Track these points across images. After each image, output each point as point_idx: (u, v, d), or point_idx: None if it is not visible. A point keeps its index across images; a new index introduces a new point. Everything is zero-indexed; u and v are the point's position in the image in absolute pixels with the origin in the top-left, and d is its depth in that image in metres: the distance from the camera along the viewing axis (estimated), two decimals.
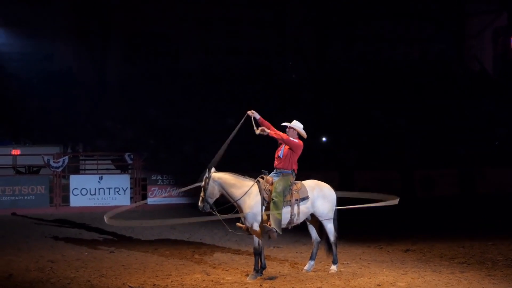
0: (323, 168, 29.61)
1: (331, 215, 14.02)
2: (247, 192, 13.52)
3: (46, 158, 25.38)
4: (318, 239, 14.30)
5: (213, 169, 13.73)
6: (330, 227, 14.05)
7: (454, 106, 35.72)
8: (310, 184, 14.00)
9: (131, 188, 25.72)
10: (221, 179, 13.60)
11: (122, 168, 27.22)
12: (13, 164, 26.16)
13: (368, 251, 16.58)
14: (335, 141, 33.02)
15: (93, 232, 18.78)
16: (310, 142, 32.21)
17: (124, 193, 25.73)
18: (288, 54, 38.46)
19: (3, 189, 24.68)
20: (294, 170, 13.83)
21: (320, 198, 13.91)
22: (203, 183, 13.67)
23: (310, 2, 37.91)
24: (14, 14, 32.76)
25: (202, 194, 13.63)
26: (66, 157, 25.78)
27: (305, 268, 14.25)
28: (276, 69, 37.45)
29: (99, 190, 25.42)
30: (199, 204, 13.69)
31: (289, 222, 13.72)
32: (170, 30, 35.84)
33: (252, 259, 14.10)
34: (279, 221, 13.43)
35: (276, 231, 13.38)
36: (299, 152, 13.87)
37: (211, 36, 36.51)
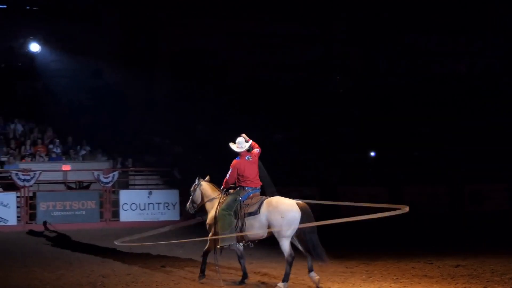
0: (371, 183, 29.57)
1: (286, 233, 13.86)
2: (210, 201, 15.01)
3: (96, 173, 25.68)
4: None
5: (207, 178, 15.43)
6: (284, 245, 13.89)
7: (503, 121, 35.33)
8: (269, 201, 14.21)
9: (180, 203, 25.81)
10: (201, 187, 15.28)
11: (170, 183, 27.36)
12: (64, 179, 26.48)
13: (418, 266, 16.42)
14: (384, 157, 32.88)
15: (143, 247, 18.91)
16: (358, 157, 32.21)
17: (174, 208, 25.89)
18: (335, 69, 38.42)
19: (54, 204, 25.00)
20: (242, 186, 14.52)
21: (274, 215, 13.97)
22: (192, 187, 15.44)
23: (357, 16, 37.83)
24: (63, 31, 33.16)
25: (191, 198, 15.43)
26: (116, 172, 26.04)
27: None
28: (323, 84, 37.43)
29: (149, 205, 25.61)
30: (187, 205, 15.55)
31: (241, 237, 14.27)
32: (217, 45, 36.02)
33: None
34: (225, 234, 14.21)
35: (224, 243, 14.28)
36: (235, 170, 14.53)
37: (258, 51, 36.61)
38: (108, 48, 34.13)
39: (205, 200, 15.15)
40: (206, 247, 14.86)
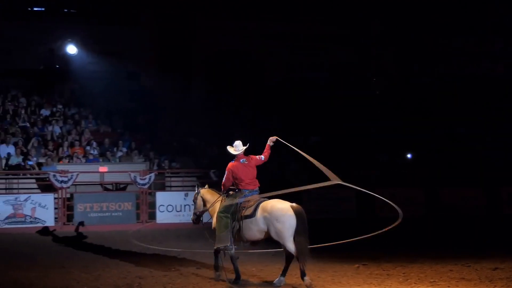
0: (407, 185, 29.39)
1: (286, 235, 14.16)
2: (212, 206, 15.44)
3: (132, 175, 25.82)
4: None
5: (206, 186, 16.13)
6: (288, 246, 14.19)
7: None
8: (264, 205, 14.56)
9: None
10: (201, 195, 15.84)
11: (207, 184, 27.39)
12: (101, 181, 26.65)
13: (455, 269, 16.30)
14: (420, 158, 32.70)
15: (179, 248, 18.95)
16: (394, 159, 31.99)
17: None
18: (371, 70, 38.30)
19: (91, 206, 25.18)
20: (239, 189, 14.97)
21: (270, 219, 14.34)
22: (193, 197, 16.09)
23: (393, 17, 37.67)
24: (100, 33, 33.38)
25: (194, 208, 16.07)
26: (152, 174, 26.16)
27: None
28: (359, 85, 37.31)
29: (185, 207, 25.66)
30: (191, 217, 16.21)
31: (240, 236, 14.70)
32: (254, 47, 36.04)
33: None
34: (221, 235, 14.68)
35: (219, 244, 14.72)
36: (229, 173, 15.03)
37: (293, 52, 36.58)
38: (145, 50, 34.30)
39: (208, 206, 15.63)
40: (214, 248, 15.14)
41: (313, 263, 14.68)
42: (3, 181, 26.07)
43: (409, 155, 33.54)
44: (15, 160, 26.98)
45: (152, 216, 25.62)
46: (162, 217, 25.35)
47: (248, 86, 35.05)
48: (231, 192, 15.19)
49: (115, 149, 29.18)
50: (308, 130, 32.63)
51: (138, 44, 34.07)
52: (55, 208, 24.98)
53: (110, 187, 27.14)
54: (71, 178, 25.18)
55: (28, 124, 29.85)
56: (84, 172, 25.95)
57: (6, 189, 25.89)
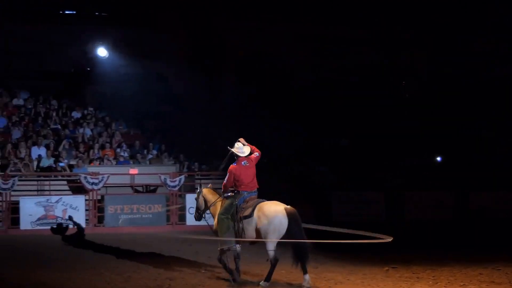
0: (437, 188, 29.30)
1: (271, 237, 14.50)
2: (213, 204, 15.83)
3: (163, 177, 25.96)
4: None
5: (209, 185, 16.50)
6: (269, 247, 14.56)
7: None
8: (260, 205, 14.85)
9: None
10: (203, 194, 16.22)
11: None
12: (131, 183, 26.81)
13: (485, 272, 16.22)
14: (450, 161, 32.55)
15: (209, 251, 19.03)
16: (423, 162, 31.81)
17: None
18: (401, 73, 38.15)
19: (122, 208, 25.38)
20: (238, 191, 15.24)
21: (262, 219, 14.66)
22: (196, 196, 16.59)
23: (421, 19, 37.47)
24: (130, 36, 33.52)
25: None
26: (182, 176, 26.28)
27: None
28: (389, 89, 37.19)
29: None
30: (194, 213, 16.64)
31: (241, 237, 14.99)
32: (283, 49, 35.96)
33: None
34: (224, 236, 15.00)
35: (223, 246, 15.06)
36: (231, 175, 15.24)
37: (324, 55, 36.48)
38: (175, 53, 34.39)
39: (209, 205, 16.01)
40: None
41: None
42: (35, 182, 26.34)
43: (438, 158, 33.42)
44: (47, 162, 27.23)
45: (182, 218, 25.74)
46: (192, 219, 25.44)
47: (277, 88, 35.00)
48: (230, 194, 15.41)
49: (145, 152, 29.36)
50: (338, 133, 32.62)
51: (168, 47, 34.13)
52: (86, 210, 25.19)
53: (140, 189, 27.29)
54: (102, 180, 25.39)
55: (59, 126, 30.10)
56: (114, 174, 26.12)
57: (37, 190, 26.14)
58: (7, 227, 24.67)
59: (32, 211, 24.58)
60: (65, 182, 26.56)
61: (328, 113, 33.75)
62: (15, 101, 31.32)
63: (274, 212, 14.58)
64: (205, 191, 16.33)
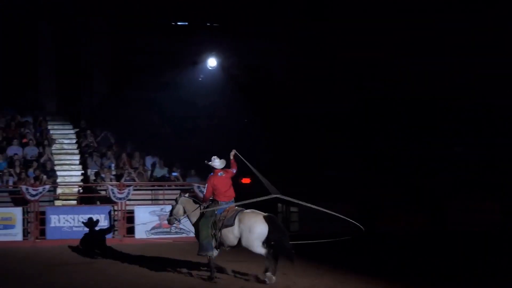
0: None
1: (255, 244, 16.18)
2: (193, 213, 17.25)
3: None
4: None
5: (187, 195, 18.07)
6: (257, 251, 16.22)
7: None
8: (241, 215, 16.50)
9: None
10: (182, 202, 17.60)
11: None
12: None
13: None
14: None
15: None
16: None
17: None
18: None
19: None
20: (216, 200, 16.88)
21: (243, 228, 16.34)
22: (173, 203, 17.87)
23: None
24: (241, 47, 33.63)
25: (170, 211, 17.88)
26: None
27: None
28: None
29: None
30: (168, 217, 18.07)
31: (220, 243, 16.71)
32: (389, 57, 35.16)
33: None
34: (203, 243, 16.65)
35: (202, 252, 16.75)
36: (210, 185, 16.91)
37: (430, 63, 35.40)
38: (285, 63, 34.31)
39: (188, 213, 17.45)
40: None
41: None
42: (149, 192, 26.77)
43: None
44: (160, 172, 27.63)
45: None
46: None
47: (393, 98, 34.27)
48: (208, 203, 16.96)
49: None
50: (453, 139, 31.97)
51: (278, 57, 34.12)
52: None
53: None
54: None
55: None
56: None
57: (152, 199, 26.55)
58: (122, 235, 25.11)
59: (147, 220, 24.93)
60: (178, 191, 26.79)
61: (442, 120, 33.05)
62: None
63: (254, 222, 16.23)
64: (184, 200, 17.70)
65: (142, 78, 33.21)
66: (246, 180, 26.74)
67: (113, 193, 25.06)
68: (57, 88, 33.66)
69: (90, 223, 23.64)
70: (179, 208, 17.64)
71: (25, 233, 24.89)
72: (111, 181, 26.81)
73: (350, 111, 33.48)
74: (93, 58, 34.10)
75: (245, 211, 16.65)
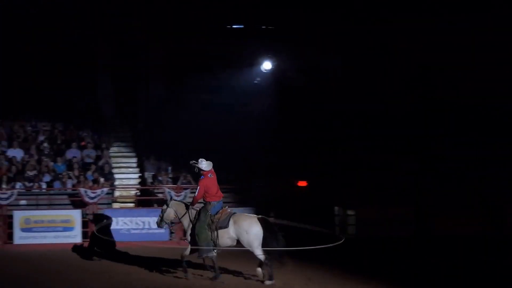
0: None
1: (255, 245, 16.96)
2: (184, 217, 18.00)
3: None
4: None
5: (178, 198, 19.80)
6: (257, 253, 17.00)
7: None
8: (235, 217, 17.35)
9: None
10: (173, 206, 18.22)
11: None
12: None
13: None
14: None
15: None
16: None
17: None
18: None
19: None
20: (208, 202, 17.51)
21: (240, 231, 17.14)
22: (163, 206, 18.47)
23: None
24: (296, 49, 33.54)
25: (160, 215, 18.37)
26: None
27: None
28: None
29: None
30: (157, 221, 18.55)
31: (214, 244, 17.32)
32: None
33: None
34: (203, 245, 17.21)
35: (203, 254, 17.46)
36: (202, 188, 17.46)
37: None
38: (339, 68, 34.08)
39: (179, 217, 18.08)
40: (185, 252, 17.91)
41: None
42: None
43: None
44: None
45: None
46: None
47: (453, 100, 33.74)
48: (200, 205, 17.71)
49: None
50: None
51: (333, 61, 33.90)
52: None
53: None
54: None
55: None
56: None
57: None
58: (179, 238, 25.27)
59: None
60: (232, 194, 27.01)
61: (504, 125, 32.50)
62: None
63: (249, 224, 17.05)
64: (175, 204, 18.40)
65: (197, 81, 33.35)
66: (302, 183, 26.78)
67: (170, 195, 25.28)
68: (114, 92, 33.97)
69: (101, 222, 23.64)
70: (170, 212, 18.21)
71: (84, 235, 25.21)
72: (167, 183, 27.02)
73: (407, 113, 33.12)
74: (149, 62, 34.34)
75: (238, 213, 17.69)
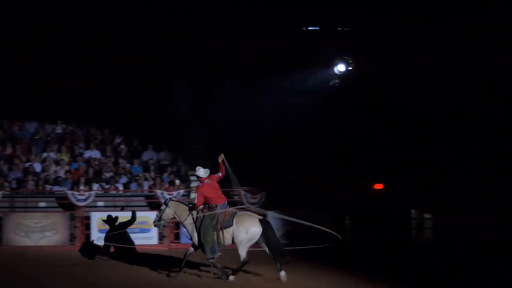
0: None
1: (245, 244, 17.41)
2: (185, 218, 18.21)
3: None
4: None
5: (176, 199, 19.87)
6: (242, 252, 17.42)
7: None
8: (238, 216, 17.68)
9: None
10: (172, 207, 18.42)
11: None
12: None
13: None
14: None
15: None
16: None
17: None
18: None
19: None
20: (213, 205, 17.81)
21: (240, 229, 17.45)
22: (162, 206, 18.72)
23: None
24: (372, 51, 33.28)
25: (158, 215, 18.59)
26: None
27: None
28: None
29: None
30: (154, 221, 18.85)
31: (219, 243, 17.68)
32: None
33: None
34: (211, 247, 17.62)
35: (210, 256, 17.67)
36: (200, 195, 17.80)
37: None
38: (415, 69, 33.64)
39: (181, 218, 18.33)
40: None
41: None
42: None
43: None
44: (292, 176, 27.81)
45: None
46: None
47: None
48: (205, 210, 17.85)
49: None
50: None
51: (412, 61, 33.45)
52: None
53: None
54: None
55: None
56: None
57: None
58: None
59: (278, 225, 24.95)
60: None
61: None
62: None
63: (251, 224, 17.45)
64: (175, 205, 18.59)
65: (272, 83, 33.37)
66: (378, 186, 26.54)
67: (246, 198, 25.31)
68: (189, 94, 34.18)
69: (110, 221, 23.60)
70: (169, 212, 18.44)
71: (161, 236, 25.38)
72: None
73: (486, 115, 32.50)
74: (224, 64, 34.46)
75: (241, 213, 17.96)
